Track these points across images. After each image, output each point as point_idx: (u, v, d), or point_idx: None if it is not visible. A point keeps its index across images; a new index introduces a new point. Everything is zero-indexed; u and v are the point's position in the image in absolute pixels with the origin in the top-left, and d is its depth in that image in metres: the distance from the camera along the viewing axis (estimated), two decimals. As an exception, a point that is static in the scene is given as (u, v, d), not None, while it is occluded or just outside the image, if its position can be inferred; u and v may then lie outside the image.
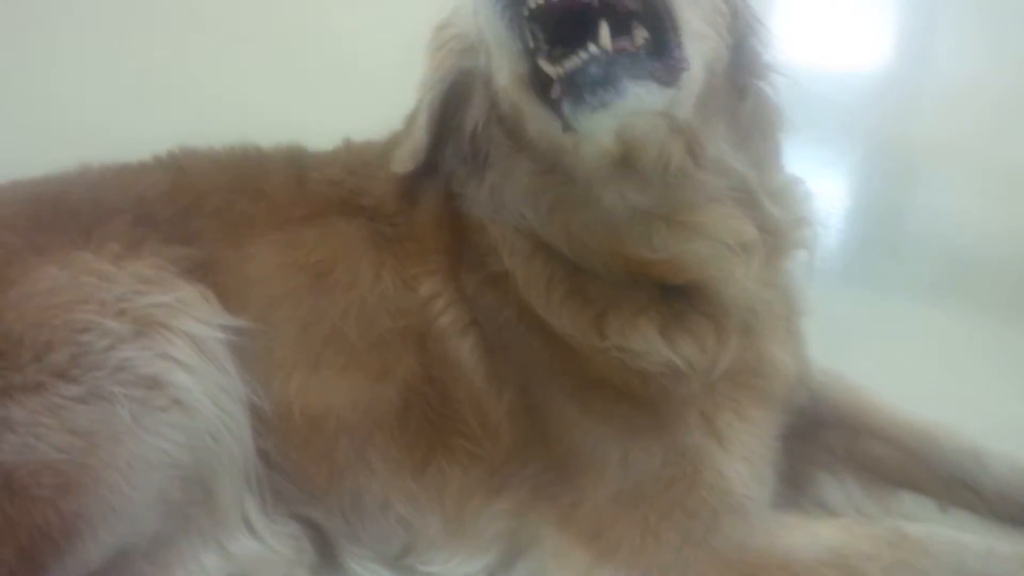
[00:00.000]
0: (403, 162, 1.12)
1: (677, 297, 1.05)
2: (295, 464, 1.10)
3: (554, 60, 0.88)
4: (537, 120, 0.97)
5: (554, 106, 0.91)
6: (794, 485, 1.23)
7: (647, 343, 1.03)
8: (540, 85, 0.92)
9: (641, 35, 0.91)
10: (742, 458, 1.09)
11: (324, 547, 1.15)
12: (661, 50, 0.92)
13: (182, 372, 1.00)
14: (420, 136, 1.11)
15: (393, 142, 1.16)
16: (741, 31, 1.07)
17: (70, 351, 0.98)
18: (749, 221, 1.05)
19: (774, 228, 1.08)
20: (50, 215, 1.12)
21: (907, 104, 2.57)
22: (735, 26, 1.05)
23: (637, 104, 0.88)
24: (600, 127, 0.91)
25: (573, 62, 0.86)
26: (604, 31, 0.87)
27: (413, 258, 1.13)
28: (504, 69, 0.97)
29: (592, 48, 0.86)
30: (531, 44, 0.89)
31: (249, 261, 1.13)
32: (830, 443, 1.30)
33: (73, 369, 0.97)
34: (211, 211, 1.16)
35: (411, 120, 1.13)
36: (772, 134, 1.11)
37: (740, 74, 1.07)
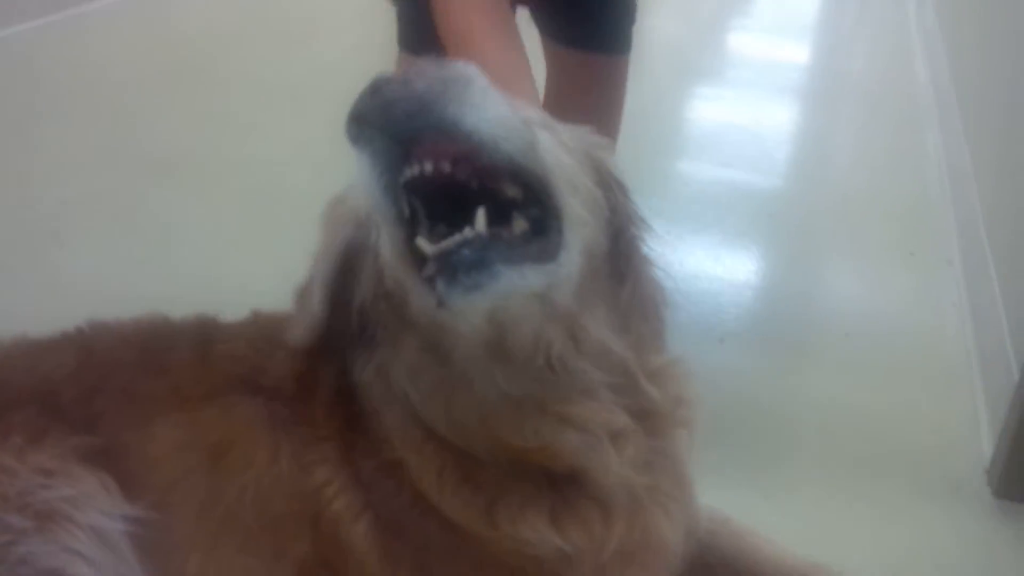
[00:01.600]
0: (301, 336, 1.14)
1: (564, 482, 1.09)
2: None
3: (432, 238, 0.91)
4: (416, 295, 0.99)
5: (430, 282, 0.92)
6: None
7: (537, 532, 1.07)
8: (418, 259, 0.94)
9: (520, 226, 0.95)
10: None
11: None
12: (540, 234, 0.96)
13: (84, 565, 1.01)
14: (317, 309, 1.12)
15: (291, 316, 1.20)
16: (620, 223, 1.13)
17: None
18: (621, 409, 1.09)
19: (652, 410, 1.13)
20: None
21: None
22: (614, 218, 1.11)
23: (510, 287, 0.91)
24: (472, 308, 0.93)
25: (448, 243, 0.89)
26: (480, 217, 0.91)
27: (308, 444, 1.15)
28: (386, 240, 0.99)
29: (467, 231, 0.89)
30: (407, 214, 0.92)
31: (149, 443, 1.15)
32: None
33: None
34: (115, 391, 1.17)
35: (304, 293, 1.16)
36: (653, 315, 1.17)
37: (619, 261, 1.12)
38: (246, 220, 2.65)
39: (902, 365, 2.16)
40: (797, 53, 4.71)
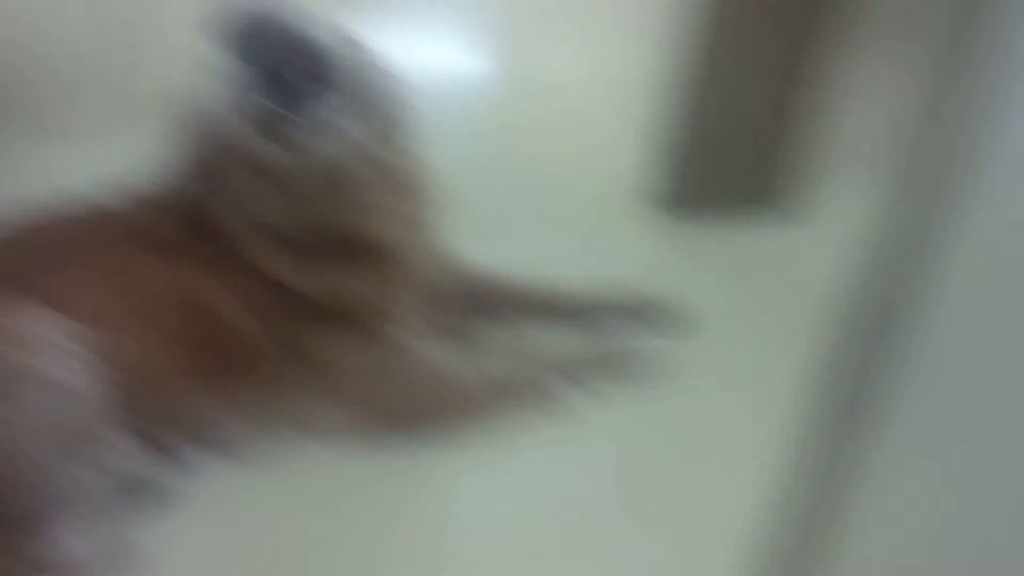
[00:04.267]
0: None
1: (361, 249, 1.73)
2: (133, 400, 1.61)
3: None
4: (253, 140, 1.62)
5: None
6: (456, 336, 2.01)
7: (347, 283, 1.71)
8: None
9: None
10: (421, 335, 1.84)
11: (162, 449, 1.71)
12: None
13: (54, 367, 1.51)
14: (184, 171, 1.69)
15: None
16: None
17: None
18: (398, 195, 1.76)
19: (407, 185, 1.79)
20: None
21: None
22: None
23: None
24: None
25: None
26: None
27: (180, 258, 1.68)
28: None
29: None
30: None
31: (68, 280, 1.63)
32: (474, 306, 2.07)
33: None
34: (48, 250, 1.65)
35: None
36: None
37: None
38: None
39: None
40: None
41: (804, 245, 2.26)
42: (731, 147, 2.28)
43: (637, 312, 2.06)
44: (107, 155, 2.08)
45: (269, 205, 1.67)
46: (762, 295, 2.13)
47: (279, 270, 1.70)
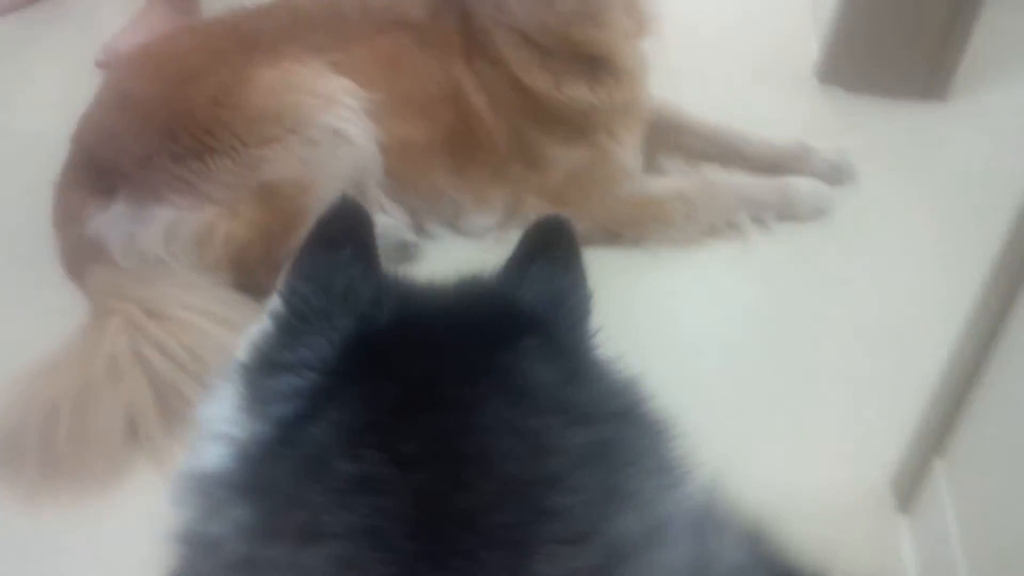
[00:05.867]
0: None
1: (597, 66, 1.99)
2: (398, 172, 2.00)
3: None
4: None
5: None
6: (648, 164, 2.28)
7: (580, 92, 2.00)
8: None
9: None
10: (628, 150, 2.10)
11: (415, 218, 2.08)
12: None
13: (351, 126, 1.85)
14: None
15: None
16: None
17: (293, 117, 1.82)
18: (634, 22, 2.00)
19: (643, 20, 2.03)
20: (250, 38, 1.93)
21: None
22: None
23: None
24: None
25: None
26: None
27: (446, 55, 1.99)
28: None
29: None
30: None
31: (357, 59, 1.96)
32: (665, 140, 2.34)
33: (297, 127, 1.82)
34: (329, 30, 1.97)
35: None
36: None
37: None
38: None
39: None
40: None
41: (957, 127, 2.45)
42: (896, 26, 2.44)
43: (806, 159, 2.29)
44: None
45: (527, 11, 1.92)
46: (914, 164, 2.33)
47: (523, 69, 1.99)
